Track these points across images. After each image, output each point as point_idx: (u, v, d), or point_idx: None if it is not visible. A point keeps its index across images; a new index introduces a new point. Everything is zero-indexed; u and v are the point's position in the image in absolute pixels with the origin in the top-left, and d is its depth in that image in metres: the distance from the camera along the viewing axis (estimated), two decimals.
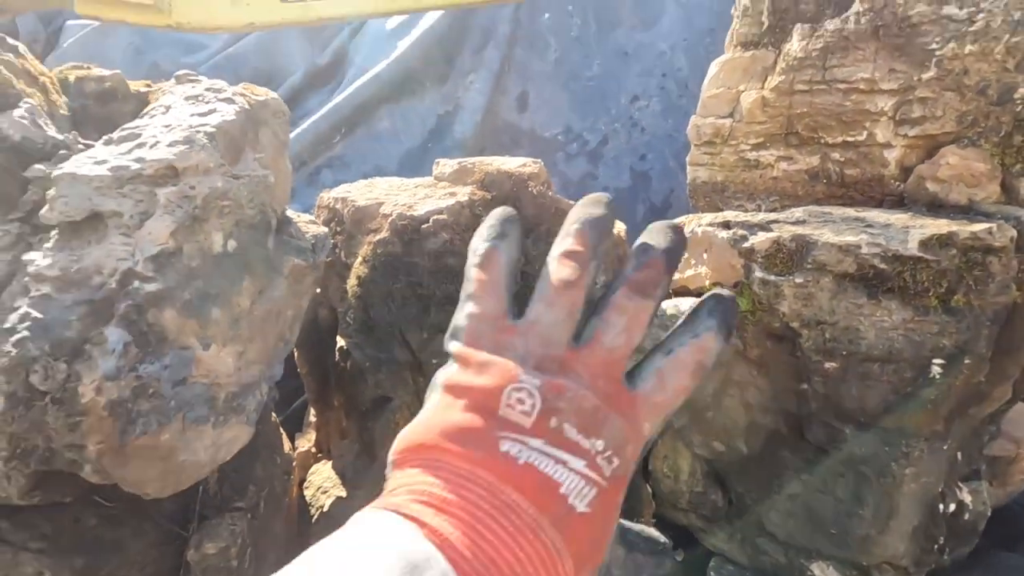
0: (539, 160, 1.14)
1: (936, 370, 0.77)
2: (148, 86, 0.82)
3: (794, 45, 0.89)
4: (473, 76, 2.09)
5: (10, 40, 0.69)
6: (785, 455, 0.92)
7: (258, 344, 0.62)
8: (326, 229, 0.90)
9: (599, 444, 0.27)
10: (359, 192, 1.03)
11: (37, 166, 0.58)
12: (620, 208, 1.46)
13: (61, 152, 0.62)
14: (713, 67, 1.02)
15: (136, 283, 0.48)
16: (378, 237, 0.89)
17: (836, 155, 0.90)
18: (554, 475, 0.26)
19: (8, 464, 0.44)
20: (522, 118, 2.16)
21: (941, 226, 0.74)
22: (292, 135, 1.89)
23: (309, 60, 2.24)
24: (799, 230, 0.80)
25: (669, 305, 0.89)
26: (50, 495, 0.51)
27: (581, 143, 2.13)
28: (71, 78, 0.76)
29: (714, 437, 0.96)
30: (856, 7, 0.82)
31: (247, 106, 0.71)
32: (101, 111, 0.76)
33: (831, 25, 0.84)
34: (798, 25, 0.89)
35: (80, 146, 0.65)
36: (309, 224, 0.89)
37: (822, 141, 0.91)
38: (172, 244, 0.53)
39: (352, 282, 0.91)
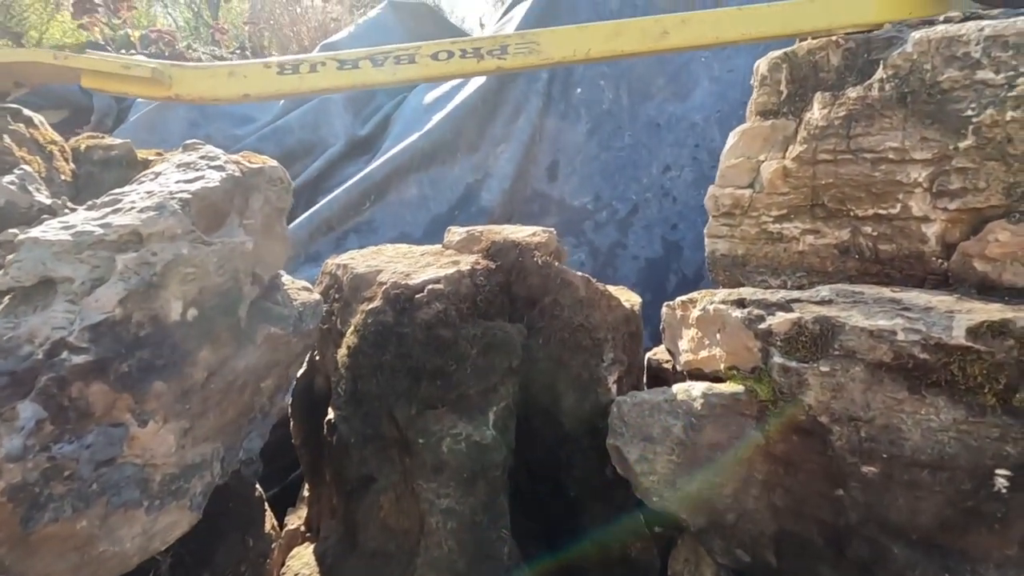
0: (551, 230, 1.10)
1: (1001, 482, 0.65)
2: (159, 154, 0.84)
3: (815, 114, 0.84)
4: (504, 146, 2.12)
5: (26, 112, 0.73)
6: (823, 572, 0.79)
7: (212, 419, 0.58)
8: (319, 296, 0.87)
9: None
10: (363, 258, 1.02)
11: (11, 230, 0.57)
12: (651, 279, 1.38)
13: (44, 217, 0.62)
14: (732, 137, 0.98)
15: (64, 354, 0.46)
16: (371, 306, 0.86)
17: (868, 229, 0.82)
18: None
19: None
20: (552, 187, 2.16)
21: (993, 312, 0.64)
22: (324, 201, 1.95)
23: (351, 132, 2.35)
24: (824, 311, 0.71)
25: (680, 389, 0.81)
26: None
27: (611, 212, 2.10)
28: (83, 147, 0.78)
29: (738, 544, 0.83)
30: (880, 74, 0.76)
31: (238, 173, 0.71)
32: (107, 177, 0.78)
33: (853, 93, 0.79)
34: (818, 93, 0.84)
35: (66, 211, 0.65)
36: (301, 291, 0.87)
37: (851, 213, 0.83)
38: (119, 312, 0.51)
39: (343, 352, 0.88)
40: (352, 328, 0.88)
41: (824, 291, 0.75)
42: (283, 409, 0.96)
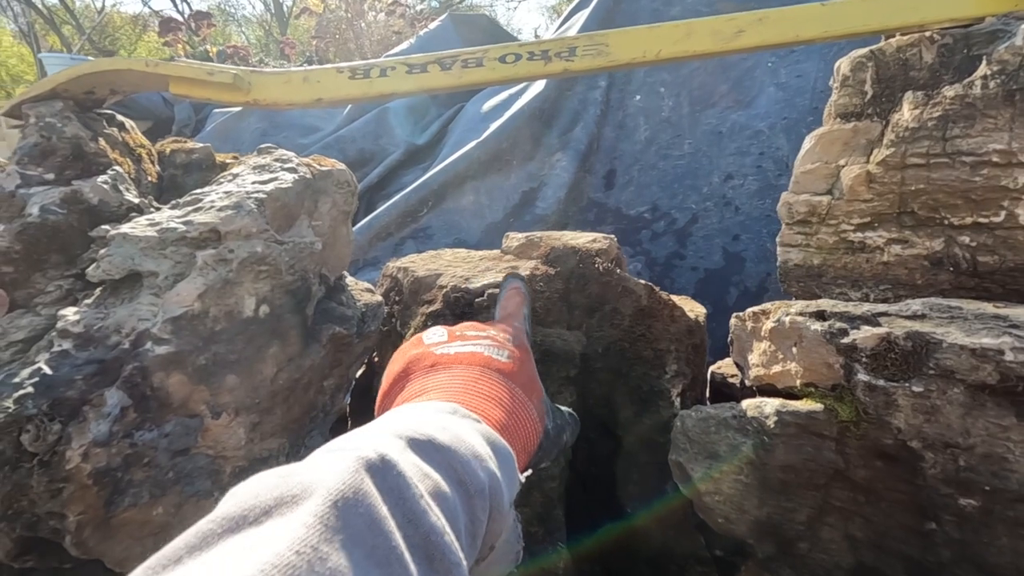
0: (611, 236, 1.08)
1: None
2: (235, 158, 0.88)
3: (905, 115, 0.78)
4: (560, 155, 2.11)
5: (119, 117, 0.77)
6: None
7: (278, 415, 0.59)
8: (380, 298, 0.88)
9: (492, 332, 0.48)
10: (422, 262, 1.03)
11: (103, 226, 0.60)
12: (710, 290, 1.33)
13: (132, 215, 0.65)
14: (808, 141, 0.93)
15: (148, 344, 0.47)
16: (431, 309, 0.86)
17: (965, 239, 0.75)
18: (475, 350, 0.44)
19: None
20: (608, 196, 2.13)
21: None
22: (382, 208, 1.99)
23: (409, 141, 2.41)
24: (917, 326, 0.66)
25: (750, 405, 0.76)
26: (46, 560, 0.49)
27: (668, 221, 2.05)
28: (167, 151, 0.83)
29: None
30: (982, 70, 0.70)
31: (309, 175, 0.73)
32: (188, 179, 0.81)
33: (950, 91, 0.73)
34: (908, 93, 0.78)
35: (152, 209, 0.69)
36: (364, 292, 0.88)
37: (945, 222, 0.76)
38: (198, 306, 0.52)
39: None
40: (411, 330, 0.88)
41: (916, 305, 0.69)
42: (343, 409, 0.98)
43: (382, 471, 0.25)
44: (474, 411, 0.38)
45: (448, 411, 0.36)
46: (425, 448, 0.29)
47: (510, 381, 0.42)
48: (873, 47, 0.84)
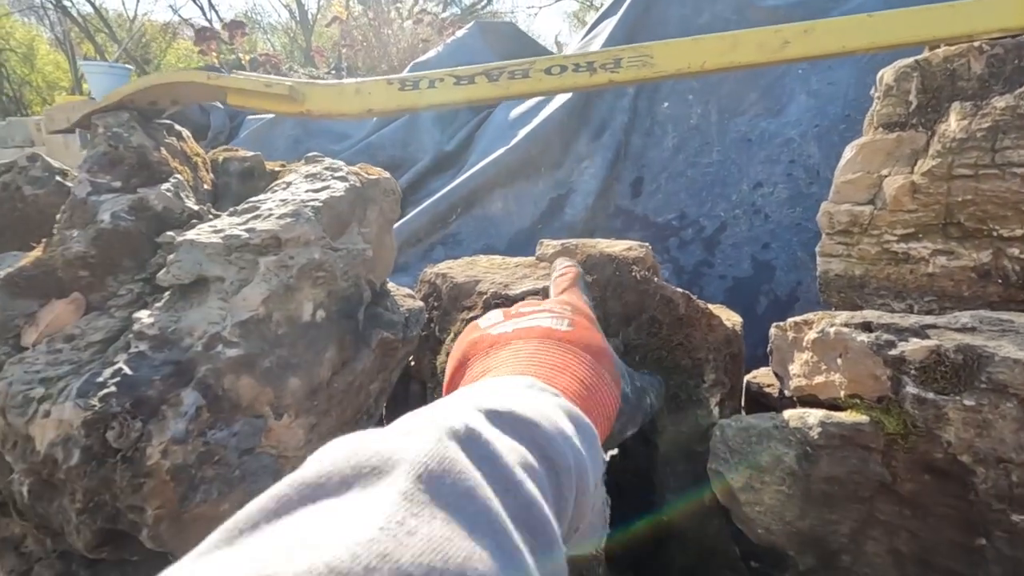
0: (647, 244, 1.08)
1: None
2: (283, 166, 0.90)
3: (952, 125, 0.78)
4: (588, 162, 2.12)
5: (177, 127, 0.80)
6: None
7: (334, 418, 0.61)
8: (422, 304, 0.90)
9: (548, 304, 0.47)
10: (459, 268, 1.04)
11: (169, 233, 0.63)
12: (739, 299, 1.32)
13: (193, 221, 0.67)
14: (849, 150, 0.92)
15: (220, 347, 0.49)
16: (471, 315, 0.88)
17: (1015, 251, 0.74)
18: (533, 324, 0.43)
19: (79, 517, 0.45)
20: (635, 203, 2.13)
21: None
22: (412, 213, 2.02)
23: (438, 147, 2.44)
24: (967, 339, 0.65)
25: (792, 416, 0.76)
26: (119, 552, 0.51)
27: (697, 229, 2.04)
28: (220, 159, 0.85)
29: None
30: None
31: (358, 184, 0.75)
32: (241, 187, 0.84)
33: (1001, 102, 0.72)
34: (956, 103, 0.77)
35: (211, 216, 0.71)
36: (406, 298, 0.90)
37: (994, 233, 0.76)
38: (262, 311, 0.54)
39: (441, 359, 0.90)
40: (451, 335, 0.89)
41: (964, 317, 0.68)
42: (382, 413, 1.00)
43: (469, 440, 0.23)
44: (548, 384, 0.34)
45: (525, 385, 0.33)
46: (507, 421, 0.26)
47: (576, 348, 0.39)
48: (918, 57, 0.84)
